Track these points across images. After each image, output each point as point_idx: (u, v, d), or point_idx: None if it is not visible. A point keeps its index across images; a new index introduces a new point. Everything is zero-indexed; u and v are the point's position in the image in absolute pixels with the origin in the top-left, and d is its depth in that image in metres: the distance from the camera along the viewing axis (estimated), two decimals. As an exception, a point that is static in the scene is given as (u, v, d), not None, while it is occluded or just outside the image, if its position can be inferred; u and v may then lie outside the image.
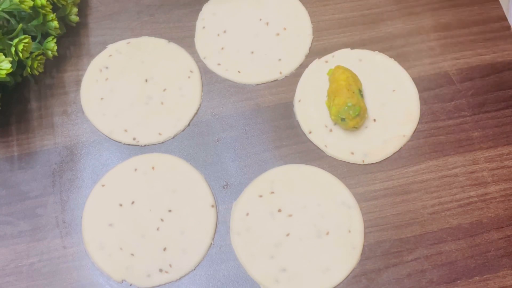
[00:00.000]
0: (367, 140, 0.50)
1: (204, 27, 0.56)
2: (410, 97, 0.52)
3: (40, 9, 0.48)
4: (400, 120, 0.51)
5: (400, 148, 0.50)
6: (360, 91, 0.49)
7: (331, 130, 0.50)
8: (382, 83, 0.52)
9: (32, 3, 0.46)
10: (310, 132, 0.50)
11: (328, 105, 0.49)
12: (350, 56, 0.54)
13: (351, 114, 0.47)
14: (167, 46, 0.55)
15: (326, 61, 0.53)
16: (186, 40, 0.55)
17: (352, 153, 0.49)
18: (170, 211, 0.47)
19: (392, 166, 0.49)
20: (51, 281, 0.45)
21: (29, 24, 0.49)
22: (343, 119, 0.48)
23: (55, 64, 0.54)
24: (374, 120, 0.50)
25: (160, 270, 0.45)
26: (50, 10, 0.49)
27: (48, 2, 0.49)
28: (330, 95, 0.49)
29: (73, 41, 0.55)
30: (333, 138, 0.50)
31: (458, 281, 0.44)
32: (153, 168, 0.49)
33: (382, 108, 0.51)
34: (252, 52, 0.54)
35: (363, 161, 0.49)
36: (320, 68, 0.53)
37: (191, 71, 0.53)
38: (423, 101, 0.52)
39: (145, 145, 0.50)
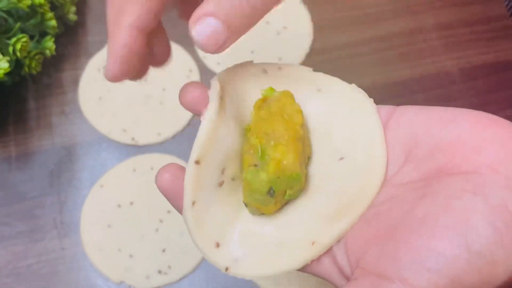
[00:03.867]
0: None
1: (203, 26, 0.55)
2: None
3: (38, 8, 0.47)
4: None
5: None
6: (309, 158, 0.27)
7: None
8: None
9: (30, 2, 0.46)
10: None
11: (257, 152, 0.24)
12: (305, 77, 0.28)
13: (287, 194, 0.25)
14: (166, 45, 0.54)
15: (265, 70, 0.28)
16: (184, 39, 0.55)
17: None
18: (169, 212, 0.46)
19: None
20: (49, 283, 0.44)
21: (27, 23, 0.48)
22: (271, 193, 0.24)
23: (53, 64, 0.53)
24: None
25: (159, 272, 0.45)
26: (48, 9, 0.49)
27: (46, 1, 0.48)
28: (265, 135, 0.25)
29: (71, 40, 0.55)
30: None
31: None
32: (152, 168, 0.48)
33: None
34: (252, 51, 0.54)
35: None
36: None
37: (190, 70, 0.53)
38: (425, 101, 0.51)
39: (144, 145, 0.50)
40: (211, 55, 0.54)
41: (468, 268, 0.19)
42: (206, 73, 0.53)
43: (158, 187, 0.25)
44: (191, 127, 0.51)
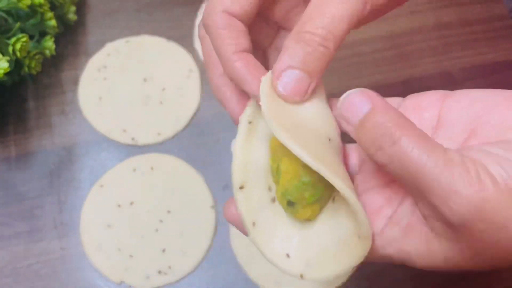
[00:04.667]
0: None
1: (203, 26, 0.55)
2: None
3: (38, 8, 0.47)
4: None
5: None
6: None
7: None
8: None
9: (30, 1, 0.46)
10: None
11: (274, 172, 0.26)
12: None
13: (306, 198, 0.25)
14: (166, 45, 0.54)
15: None
16: (185, 39, 0.55)
17: None
18: (169, 212, 0.46)
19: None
20: (49, 283, 0.44)
21: (26, 23, 0.48)
22: (290, 203, 0.25)
23: (53, 63, 0.53)
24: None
25: (159, 272, 0.44)
26: (48, 9, 0.49)
27: (46, 1, 0.48)
28: (275, 153, 0.25)
29: (71, 40, 0.55)
30: None
31: (462, 282, 0.44)
32: (152, 168, 0.48)
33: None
34: (252, 51, 0.54)
35: None
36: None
37: (190, 70, 0.53)
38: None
39: (144, 145, 0.50)
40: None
41: None
42: (206, 73, 0.53)
43: (227, 219, 0.26)
44: (191, 127, 0.51)
